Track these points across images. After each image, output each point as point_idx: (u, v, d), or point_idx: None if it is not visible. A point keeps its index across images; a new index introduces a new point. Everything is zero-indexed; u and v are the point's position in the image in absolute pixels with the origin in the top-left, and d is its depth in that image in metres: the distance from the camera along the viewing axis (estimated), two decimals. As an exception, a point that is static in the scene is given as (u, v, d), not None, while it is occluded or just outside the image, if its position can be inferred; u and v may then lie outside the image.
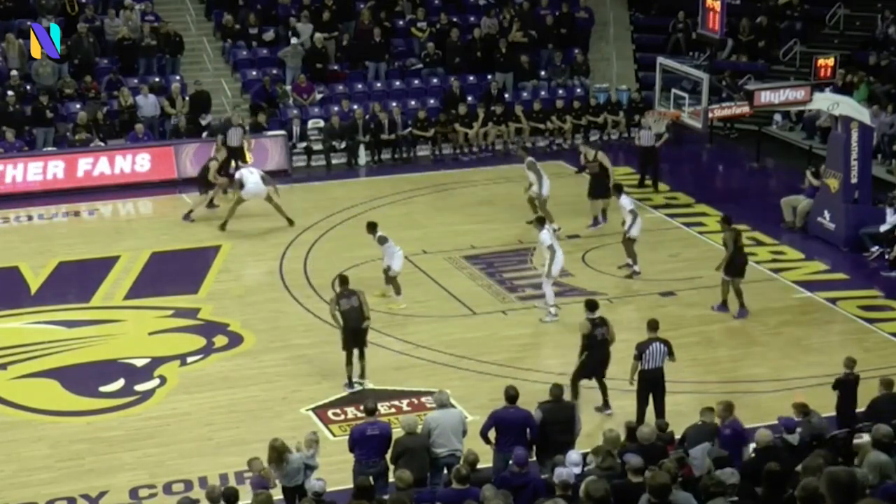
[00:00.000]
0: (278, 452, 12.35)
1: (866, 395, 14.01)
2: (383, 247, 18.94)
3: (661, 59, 22.74)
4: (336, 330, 16.26)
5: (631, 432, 12.60)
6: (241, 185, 22.21)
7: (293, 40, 28.64)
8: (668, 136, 25.59)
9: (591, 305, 15.59)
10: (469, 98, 28.64)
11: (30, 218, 23.62)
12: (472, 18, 31.03)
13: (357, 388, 16.27)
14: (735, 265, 18.58)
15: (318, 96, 28.34)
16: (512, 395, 13.17)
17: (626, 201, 20.20)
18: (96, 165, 25.11)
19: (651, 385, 14.82)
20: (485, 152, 27.89)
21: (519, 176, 23.48)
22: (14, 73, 26.23)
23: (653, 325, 15.04)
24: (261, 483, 11.89)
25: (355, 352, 16.29)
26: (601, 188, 22.24)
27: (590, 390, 15.61)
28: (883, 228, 21.28)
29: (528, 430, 13.02)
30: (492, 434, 13.11)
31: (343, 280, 16.61)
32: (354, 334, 16.21)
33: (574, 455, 11.55)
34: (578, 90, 30.07)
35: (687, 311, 19.07)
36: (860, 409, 14.16)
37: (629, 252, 20.23)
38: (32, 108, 25.86)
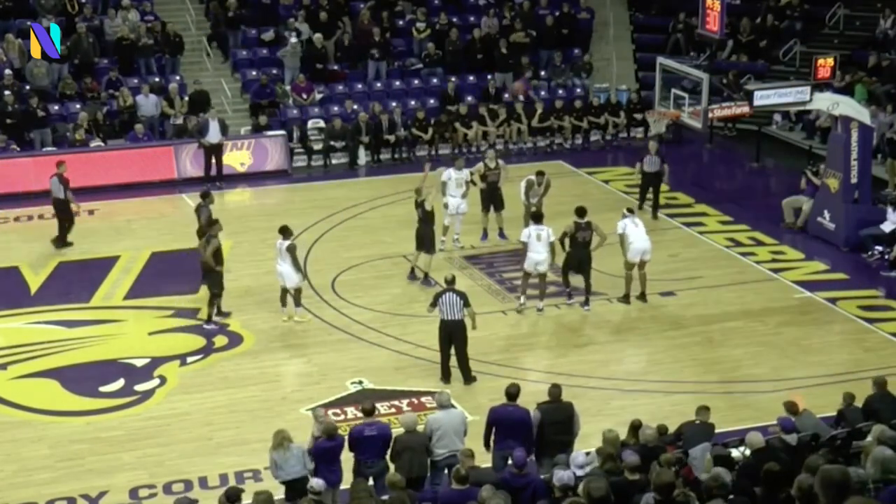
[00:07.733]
0: (279, 438, 12.41)
1: (862, 395, 13.96)
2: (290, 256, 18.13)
3: (661, 59, 22.70)
4: (334, 330, 16.14)
5: (634, 430, 12.60)
6: None
7: (293, 40, 28.61)
8: (668, 136, 25.53)
9: (580, 212, 18.39)
10: (469, 98, 28.63)
11: (30, 218, 23.60)
12: (472, 18, 31.01)
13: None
14: None
15: (318, 96, 28.34)
16: (512, 393, 13.16)
17: None
18: (96, 165, 25.11)
19: (447, 334, 16.19)
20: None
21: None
22: (8, 72, 26.14)
23: (449, 279, 16.54)
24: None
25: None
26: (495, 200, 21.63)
27: (586, 389, 15.62)
28: (888, 229, 21.22)
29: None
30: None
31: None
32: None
33: (580, 457, 11.51)
34: (579, 90, 30.07)
35: (687, 311, 19.07)
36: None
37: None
38: (23, 110, 25.73)
